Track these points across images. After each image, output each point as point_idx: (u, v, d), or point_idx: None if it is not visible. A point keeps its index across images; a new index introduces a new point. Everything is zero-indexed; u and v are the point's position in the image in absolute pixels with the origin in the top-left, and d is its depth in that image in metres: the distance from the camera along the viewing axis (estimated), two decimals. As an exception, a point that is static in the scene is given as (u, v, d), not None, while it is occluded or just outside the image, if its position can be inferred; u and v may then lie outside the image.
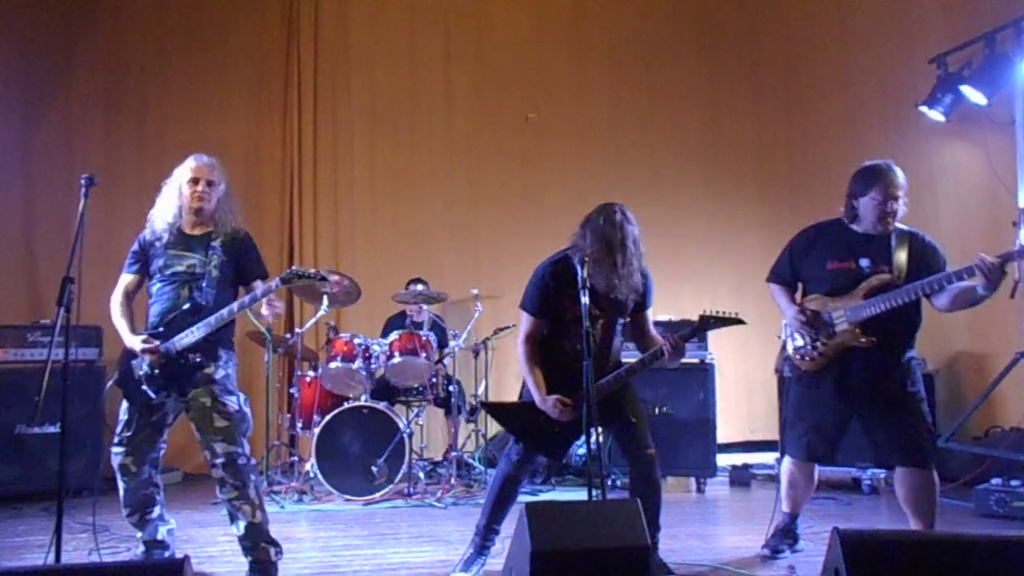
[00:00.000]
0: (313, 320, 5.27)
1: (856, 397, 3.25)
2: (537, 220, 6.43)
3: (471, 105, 6.47)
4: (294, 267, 3.13)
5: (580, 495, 4.91)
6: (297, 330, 5.30)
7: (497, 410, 3.51)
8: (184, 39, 6.09)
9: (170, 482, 4.97)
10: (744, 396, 6.16)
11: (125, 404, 3.18)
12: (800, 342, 3.37)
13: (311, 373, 5.20)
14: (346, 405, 4.87)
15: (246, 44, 6.20)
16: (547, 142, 6.54)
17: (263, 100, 6.21)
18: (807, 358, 3.34)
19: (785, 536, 3.51)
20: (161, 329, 3.15)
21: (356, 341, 5.05)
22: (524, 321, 3.20)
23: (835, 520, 4.12)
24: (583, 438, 2.99)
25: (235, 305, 3.13)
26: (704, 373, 5.10)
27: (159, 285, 3.22)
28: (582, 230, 3.12)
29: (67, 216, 5.38)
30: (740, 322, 3.03)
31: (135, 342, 3.14)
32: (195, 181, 3.22)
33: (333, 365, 4.96)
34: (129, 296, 3.26)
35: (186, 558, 2.09)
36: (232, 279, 3.28)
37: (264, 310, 3.18)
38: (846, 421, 3.34)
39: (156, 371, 3.10)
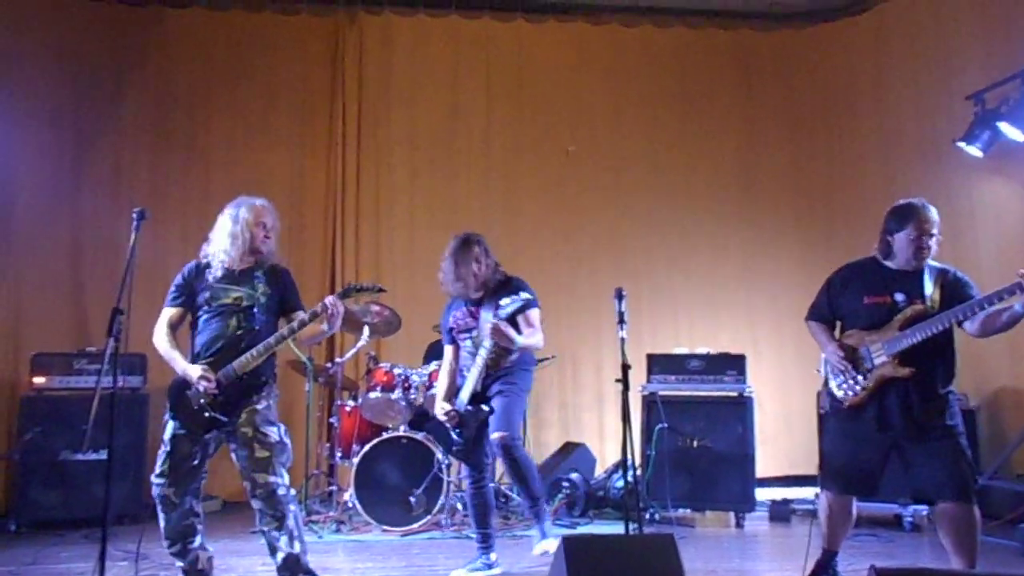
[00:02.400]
0: (354, 350, 5.35)
1: (894, 430, 3.25)
2: (574, 253, 6.53)
3: (510, 137, 6.56)
4: (351, 283, 3.26)
5: (618, 528, 4.92)
6: (337, 359, 5.38)
7: (426, 423, 4.16)
8: (230, 74, 6.28)
9: (209, 510, 4.98)
10: (784, 430, 6.10)
11: (167, 436, 3.22)
12: (841, 378, 3.38)
13: (351, 403, 5.24)
14: (385, 435, 4.88)
15: (291, 77, 6.37)
16: (585, 176, 6.60)
17: (307, 132, 6.36)
18: (849, 393, 3.35)
19: (824, 573, 3.47)
20: (212, 358, 3.23)
21: (396, 371, 5.09)
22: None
23: (876, 558, 4.05)
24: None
25: (295, 324, 3.21)
26: (743, 406, 5.08)
27: (205, 316, 3.30)
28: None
29: (114, 246, 5.57)
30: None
31: (194, 372, 3.20)
32: (264, 226, 3.38)
33: (373, 395, 5.00)
34: (173, 329, 3.35)
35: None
36: (276, 309, 3.37)
37: (324, 326, 3.25)
38: (885, 455, 3.31)
39: (219, 397, 3.16)
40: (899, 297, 3.30)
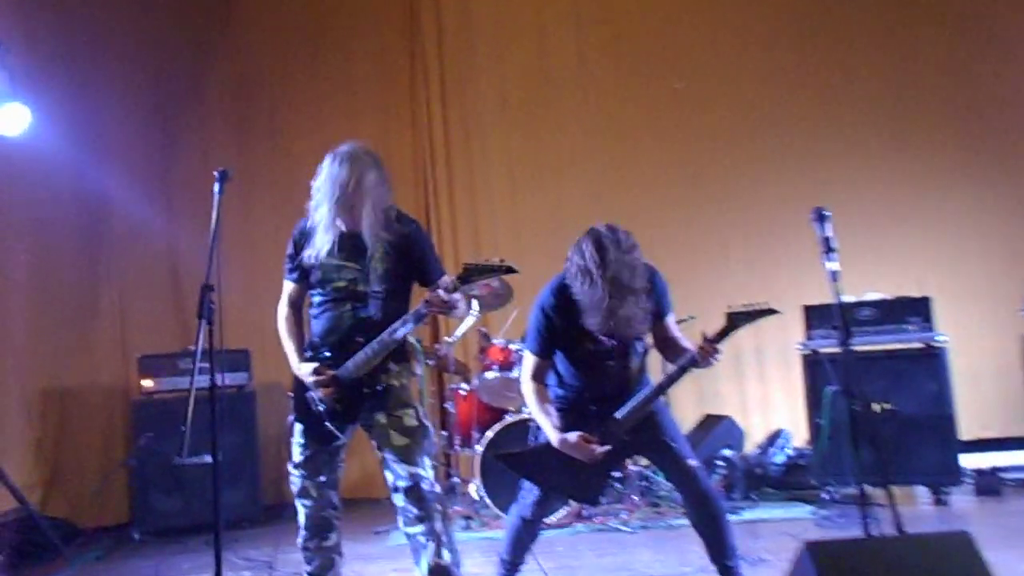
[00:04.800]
0: (464, 328, 4.82)
1: None
2: (696, 201, 5.75)
3: (608, 79, 5.86)
4: (470, 262, 2.60)
5: (785, 511, 4.30)
6: (447, 339, 4.89)
7: (515, 461, 3.00)
8: (309, 41, 5.92)
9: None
10: (968, 386, 5.08)
11: (300, 427, 2.85)
12: None
13: (465, 386, 4.77)
14: (508, 419, 4.40)
15: (370, 39, 5.95)
16: (698, 114, 5.79)
17: (390, 94, 5.94)
18: None
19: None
20: (328, 353, 2.76)
21: (512, 347, 4.59)
22: (526, 360, 2.89)
23: None
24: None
25: (410, 317, 2.65)
26: (935, 359, 4.26)
27: (318, 299, 2.83)
28: (570, 264, 2.71)
29: (207, 237, 5.36)
30: (773, 312, 2.68)
31: (305, 372, 2.76)
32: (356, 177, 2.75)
33: (490, 375, 4.56)
34: (296, 307, 2.90)
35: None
36: (403, 285, 2.82)
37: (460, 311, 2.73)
38: None
39: (337, 405, 2.73)
40: None
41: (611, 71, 5.89)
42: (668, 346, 2.87)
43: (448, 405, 4.79)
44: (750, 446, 5.09)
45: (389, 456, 2.73)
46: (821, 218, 2.60)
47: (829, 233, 2.56)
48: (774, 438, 4.98)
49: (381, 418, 2.73)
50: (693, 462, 2.73)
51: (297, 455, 2.83)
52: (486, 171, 5.88)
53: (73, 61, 5.12)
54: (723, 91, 5.81)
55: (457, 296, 2.61)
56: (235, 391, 4.86)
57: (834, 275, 2.51)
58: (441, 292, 2.56)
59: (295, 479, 2.83)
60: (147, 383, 4.76)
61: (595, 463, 2.72)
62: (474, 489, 4.47)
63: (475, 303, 4.66)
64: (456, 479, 4.79)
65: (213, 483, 2.43)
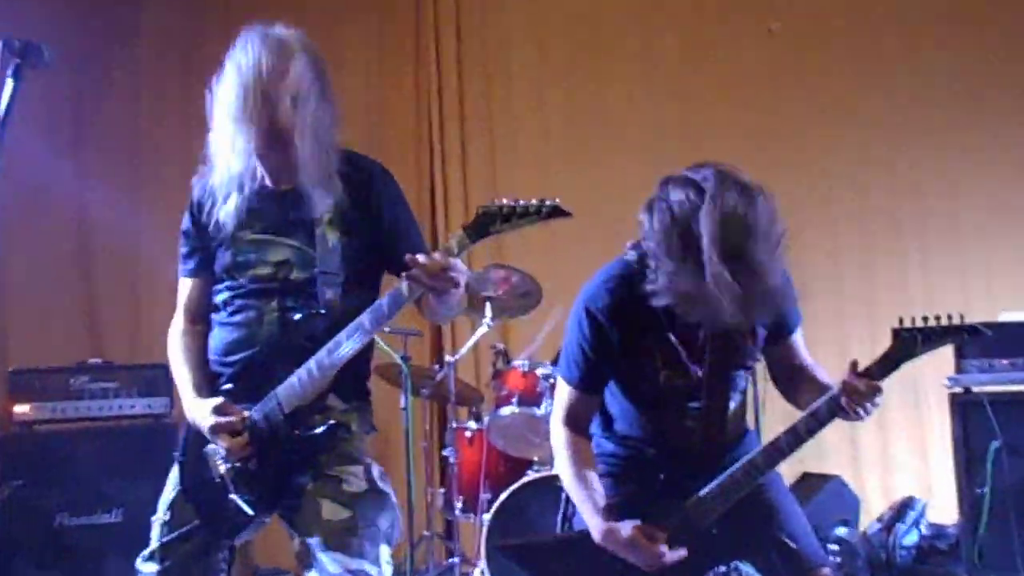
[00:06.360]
0: (472, 341, 3.80)
1: None
2: (791, 180, 4.53)
3: (680, 22, 4.87)
4: (487, 205, 1.74)
5: None
6: (448, 358, 3.85)
7: (529, 557, 2.05)
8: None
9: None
10: None
11: (170, 492, 1.97)
12: None
13: (472, 424, 3.78)
14: (530, 474, 3.41)
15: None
16: (800, 68, 4.73)
17: (387, 43, 4.97)
18: None
19: None
20: (230, 383, 1.90)
21: (539, 372, 3.57)
22: (559, 394, 2.07)
23: None
24: None
25: (382, 305, 1.77)
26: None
27: (227, 295, 1.93)
28: (654, 216, 1.92)
29: (136, 224, 4.35)
30: (973, 330, 1.78)
31: (202, 413, 1.86)
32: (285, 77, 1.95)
33: (506, 411, 3.56)
34: (194, 316, 2.02)
35: None
36: (369, 268, 1.96)
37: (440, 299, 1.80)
38: None
39: (250, 465, 1.85)
40: None
41: (684, 12, 4.91)
42: (794, 378, 2.04)
43: (448, 452, 3.78)
44: (866, 519, 4.04)
45: (315, 542, 1.79)
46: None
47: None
48: (903, 509, 4.00)
49: (305, 482, 1.82)
50: (828, 571, 1.91)
51: (156, 538, 1.91)
52: (512, 136, 4.94)
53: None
54: (833, 39, 4.76)
55: (460, 265, 1.71)
56: (150, 421, 3.79)
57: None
58: (434, 255, 1.68)
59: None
60: (21, 409, 3.69)
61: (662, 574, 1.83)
62: (479, 574, 3.41)
63: (488, 307, 3.66)
64: (456, 558, 3.70)
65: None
